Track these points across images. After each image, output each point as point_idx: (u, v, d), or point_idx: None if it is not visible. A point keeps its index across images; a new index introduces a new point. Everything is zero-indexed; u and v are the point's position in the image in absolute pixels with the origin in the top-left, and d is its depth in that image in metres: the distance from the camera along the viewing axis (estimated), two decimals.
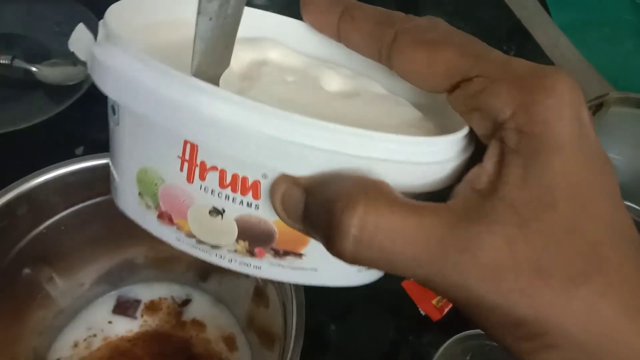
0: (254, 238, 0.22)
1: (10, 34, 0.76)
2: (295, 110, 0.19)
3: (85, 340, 0.53)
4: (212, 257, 0.23)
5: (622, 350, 0.18)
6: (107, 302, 0.55)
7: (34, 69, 0.70)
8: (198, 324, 0.55)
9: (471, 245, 0.18)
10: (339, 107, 0.23)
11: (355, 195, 0.18)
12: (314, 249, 0.22)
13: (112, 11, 0.23)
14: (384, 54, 0.22)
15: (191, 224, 0.22)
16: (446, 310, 0.61)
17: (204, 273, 0.55)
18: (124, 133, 0.22)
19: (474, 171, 0.20)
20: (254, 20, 0.26)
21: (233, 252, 0.22)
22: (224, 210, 0.21)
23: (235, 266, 0.23)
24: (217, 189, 0.21)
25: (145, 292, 0.57)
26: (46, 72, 0.71)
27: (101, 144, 0.70)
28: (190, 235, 0.23)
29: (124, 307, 0.55)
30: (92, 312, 0.55)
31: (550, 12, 0.99)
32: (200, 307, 0.56)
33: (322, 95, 0.24)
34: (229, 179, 0.20)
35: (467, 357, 0.56)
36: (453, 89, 0.21)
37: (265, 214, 0.21)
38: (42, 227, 0.44)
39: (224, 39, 0.21)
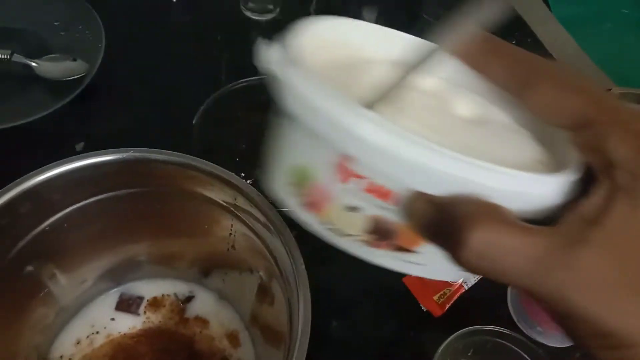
0: (380, 234, 0.26)
1: (9, 28, 0.75)
2: (437, 137, 0.24)
3: (88, 337, 0.53)
4: (338, 242, 0.27)
5: None
6: (110, 299, 0.55)
7: (33, 64, 0.70)
8: (201, 321, 0.55)
9: (574, 264, 0.21)
10: (472, 135, 0.27)
11: (479, 216, 0.23)
12: (427, 249, 0.26)
13: (292, 35, 0.27)
14: (519, 88, 0.26)
15: (330, 215, 0.26)
16: (447, 306, 0.61)
17: (207, 269, 0.55)
18: (290, 135, 0.26)
19: (582, 202, 0.23)
20: (401, 42, 0.30)
21: (358, 241, 0.27)
22: (361, 209, 0.25)
23: (356, 251, 0.27)
24: (361, 192, 0.25)
25: (148, 288, 0.56)
26: (46, 67, 0.70)
27: (102, 140, 0.71)
28: (326, 222, 0.27)
29: (126, 304, 0.55)
30: (94, 309, 0.55)
31: (550, 6, 0.99)
32: (204, 304, 0.56)
33: (458, 121, 0.28)
34: (373, 187, 0.24)
35: (469, 353, 0.56)
36: (576, 128, 0.24)
37: (395, 217, 0.25)
38: (45, 224, 0.44)
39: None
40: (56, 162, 0.41)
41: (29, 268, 0.45)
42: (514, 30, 0.94)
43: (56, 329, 0.52)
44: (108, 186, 0.44)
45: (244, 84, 0.70)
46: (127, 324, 0.54)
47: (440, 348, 0.54)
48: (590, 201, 0.23)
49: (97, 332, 0.54)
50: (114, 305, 0.55)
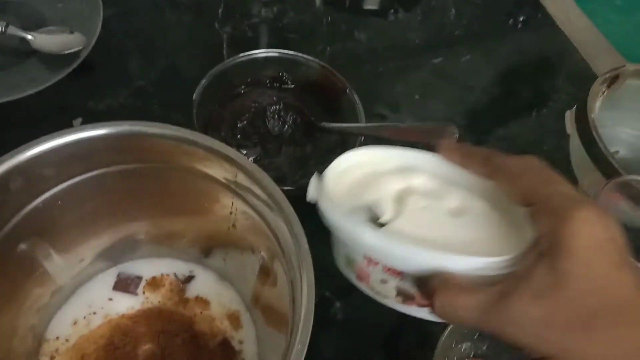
0: (405, 296, 0.38)
1: (3, 0, 0.72)
2: (425, 231, 0.36)
3: (85, 318, 0.52)
4: (383, 301, 0.39)
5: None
6: (107, 278, 0.54)
7: (29, 36, 0.68)
8: (202, 301, 0.54)
9: (507, 309, 0.31)
10: (453, 225, 0.37)
11: (440, 286, 0.34)
12: None
13: (327, 172, 0.40)
14: (489, 177, 0.37)
15: (372, 284, 0.38)
16: None
17: (208, 249, 0.53)
18: (337, 241, 0.39)
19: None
20: (403, 154, 0.42)
21: (393, 300, 0.39)
22: (388, 281, 0.37)
23: (396, 307, 0.39)
24: (383, 272, 0.37)
25: (147, 268, 0.55)
26: (42, 40, 0.68)
27: (100, 115, 0.70)
28: (372, 289, 0.39)
29: (124, 284, 0.54)
30: (91, 289, 0.53)
31: None
32: (204, 284, 0.55)
33: (443, 214, 0.38)
34: (387, 269, 0.37)
35: (475, 337, 0.55)
36: (525, 205, 0.35)
37: (410, 286, 0.37)
38: (37, 201, 0.42)
39: None
40: (47, 136, 0.39)
41: (22, 246, 0.43)
42: (524, 5, 0.92)
43: (52, 309, 0.51)
44: (103, 161, 0.42)
45: (246, 58, 0.68)
46: (125, 304, 0.53)
47: (446, 331, 0.53)
48: (523, 263, 0.32)
49: (94, 313, 0.52)
50: (111, 285, 0.53)
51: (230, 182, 0.43)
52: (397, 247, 0.35)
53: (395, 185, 0.40)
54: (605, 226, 0.31)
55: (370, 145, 0.42)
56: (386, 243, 0.35)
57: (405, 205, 0.38)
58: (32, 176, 0.40)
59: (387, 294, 0.39)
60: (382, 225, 0.37)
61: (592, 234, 0.31)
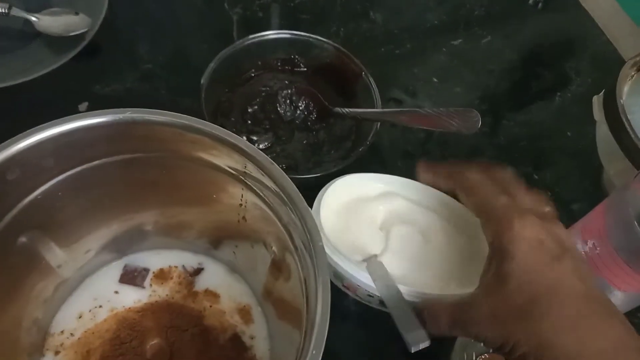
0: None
1: None
2: (411, 268, 0.45)
3: (90, 311, 0.50)
4: (375, 306, 0.45)
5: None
6: (113, 271, 0.52)
7: (33, 18, 0.66)
8: (211, 295, 0.52)
9: (469, 312, 0.37)
10: (428, 255, 0.46)
11: (429, 317, 0.40)
12: None
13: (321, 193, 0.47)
14: (453, 189, 0.44)
15: (358, 294, 0.45)
16: None
17: (217, 241, 0.51)
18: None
19: None
20: (382, 179, 0.50)
21: (377, 305, 0.45)
22: (373, 296, 0.44)
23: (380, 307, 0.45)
24: (367, 289, 0.43)
25: (154, 260, 0.53)
26: (46, 21, 0.66)
27: (107, 99, 0.68)
28: (356, 296, 0.45)
29: (131, 276, 0.52)
30: (97, 282, 0.51)
31: None
32: (214, 277, 0.53)
33: (420, 242, 0.47)
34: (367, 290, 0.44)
35: None
36: (479, 216, 0.41)
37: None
38: (37, 193, 0.40)
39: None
40: (45, 125, 0.37)
41: (22, 239, 0.41)
42: None
43: (57, 302, 0.49)
44: (105, 151, 0.40)
45: (256, 40, 0.65)
46: (132, 297, 0.51)
47: None
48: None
49: (100, 306, 0.50)
50: (117, 277, 0.52)
51: (239, 173, 0.41)
52: (381, 287, 0.42)
53: (380, 213, 0.48)
54: (543, 228, 0.37)
55: (352, 174, 0.49)
56: (372, 282, 0.42)
57: (390, 235, 0.46)
58: (30, 166, 0.38)
59: (372, 302, 0.45)
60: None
61: (529, 236, 0.36)
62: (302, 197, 0.37)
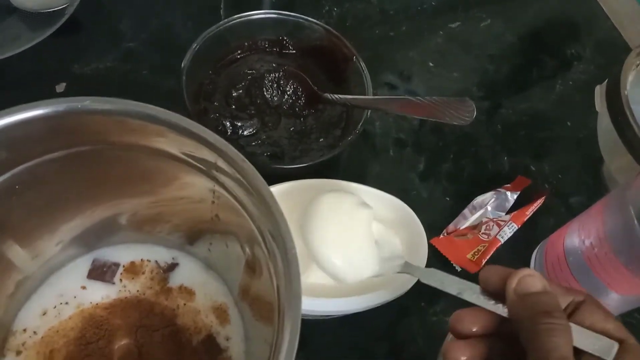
0: None
1: None
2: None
3: (55, 307, 0.47)
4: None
5: None
6: (81, 266, 0.49)
7: None
8: (186, 291, 0.49)
9: None
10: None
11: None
12: None
13: None
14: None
15: None
16: (484, 262, 0.58)
17: (192, 236, 0.48)
18: None
19: None
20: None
21: None
22: None
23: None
24: None
25: (125, 254, 0.50)
26: None
27: (86, 80, 0.64)
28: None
29: (100, 272, 0.49)
30: (63, 278, 0.48)
31: None
32: (189, 273, 0.50)
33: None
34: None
35: None
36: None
37: None
38: None
39: None
40: None
41: None
42: None
43: (19, 299, 0.46)
44: (64, 142, 0.36)
45: (243, 19, 0.62)
46: (100, 293, 0.48)
47: None
48: None
49: (66, 303, 0.47)
50: (85, 273, 0.49)
51: (212, 168, 0.38)
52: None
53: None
54: None
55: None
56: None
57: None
58: None
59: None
60: None
61: None
62: (276, 200, 0.34)
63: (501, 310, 0.34)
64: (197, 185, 0.40)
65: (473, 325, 0.35)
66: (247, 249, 0.41)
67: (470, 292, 0.35)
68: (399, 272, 0.43)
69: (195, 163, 0.38)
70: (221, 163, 0.36)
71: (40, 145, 0.36)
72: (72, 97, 0.34)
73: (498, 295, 0.35)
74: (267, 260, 0.36)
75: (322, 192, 0.46)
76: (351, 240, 0.43)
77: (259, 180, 0.34)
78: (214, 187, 0.39)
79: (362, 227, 0.44)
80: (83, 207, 0.44)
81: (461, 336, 0.36)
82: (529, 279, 0.34)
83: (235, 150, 0.35)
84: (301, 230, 0.44)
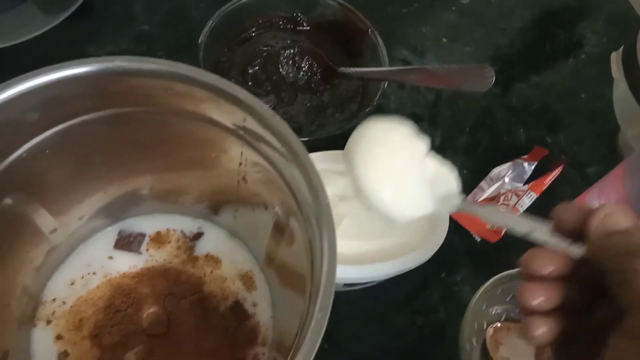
0: None
1: None
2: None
3: (83, 277, 0.48)
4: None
5: None
6: (108, 236, 0.49)
7: None
8: (212, 259, 0.49)
9: None
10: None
11: None
12: None
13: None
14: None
15: None
16: (503, 232, 0.57)
17: (217, 205, 0.48)
18: None
19: None
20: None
21: None
22: None
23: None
24: None
25: (151, 224, 0.50)
26: None
27: None
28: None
29: (126, 242, 0.49)
30: (90, 248, 0.49)
31: None
32: (214, 241, 0.50)
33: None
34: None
35: (507, 299, 0.52)
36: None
37: None
38: (21, 150, 0.37)
39: None
40: (29, 73, 0.34)
41: (7, 201, 0.38)
42: None
43: (48, 269, 0.47)
44: (94, 104, 0.37)
45: None
46: (127, 262, 0.49)
47: (477, 293, 0.50)
48: None
49: (94, 273, 0.48)
50: (112, 243, 0.49)
51: (239, 128, 0.38)
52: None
53: (339, 183, 0.46)
54: None
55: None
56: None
57: (350, 204, 0.47)
58: (12, 121, 0.35)
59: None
60: None
61: None
62: (307, 152, 0.34)
63: (578, 251, 0.31)
64: (226, 148, 0.40)
65: (549, 265, 0.31)
66: (276, 209, 0.41)
67: (541, 232, 0.31)
68: (456, 211, 0.38)
69: (224, 123, 0.38)
70: (250, 121, 0.36)
71: (73, 107, 0.36)
72: (104, 57, 0.35)
73: (572, 235, 0.31)
74: (297, 219, 0.37)
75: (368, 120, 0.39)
76: (403, 174, 0.36)
77: (289, 132, 0.34)
78: (242, 147, 0.39)
79: (414, 160, 0.37)
80: (111, 176, 0.44)
81: (533, 278, 0.32)
82: (614, 216, 0.30)
83: (265, 106, 0.35)
84: (345, 163, 0.37)
